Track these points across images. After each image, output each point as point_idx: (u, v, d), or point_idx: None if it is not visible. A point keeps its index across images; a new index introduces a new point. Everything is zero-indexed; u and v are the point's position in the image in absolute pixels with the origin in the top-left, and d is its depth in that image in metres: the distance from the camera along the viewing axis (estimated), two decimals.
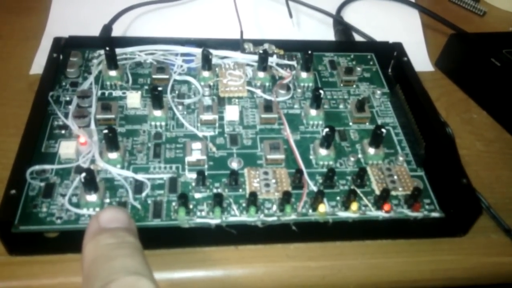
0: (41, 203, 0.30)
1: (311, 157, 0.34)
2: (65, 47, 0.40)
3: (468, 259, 0.31)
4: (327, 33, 0.49)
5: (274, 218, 0.30)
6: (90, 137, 0.33)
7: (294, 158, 0.34)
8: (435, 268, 0.31)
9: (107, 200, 0.30)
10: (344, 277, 0.30)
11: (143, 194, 0.31)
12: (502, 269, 0.32)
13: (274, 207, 0.31)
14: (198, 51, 0.39)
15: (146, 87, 0.38)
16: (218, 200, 0.30)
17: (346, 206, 0.31)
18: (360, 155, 0.35)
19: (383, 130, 0.33)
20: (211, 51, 0.38)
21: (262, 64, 0.38)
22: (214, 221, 0.30)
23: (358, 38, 0.48)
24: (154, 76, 0.38)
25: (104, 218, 0.23)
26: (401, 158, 0.34)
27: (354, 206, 0.31)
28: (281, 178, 0.32)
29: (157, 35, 0.42)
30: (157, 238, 0.29)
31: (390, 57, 0.42)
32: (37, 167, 0.31)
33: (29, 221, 0.29)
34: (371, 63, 0.43)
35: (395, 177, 0.33)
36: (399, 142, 0.36)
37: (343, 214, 0.31)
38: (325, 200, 0.31)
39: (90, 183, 0.29)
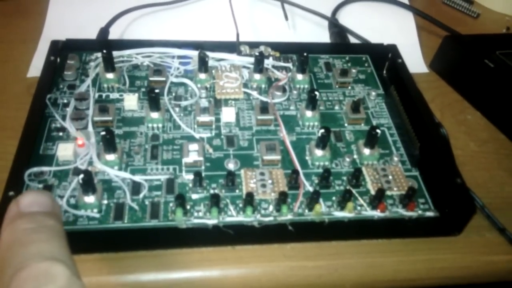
0: None
1: (307, 157, 0.34)
2: (63, 50, 0.40)
3: (463, 258, 0.32)
4: (322, 36, 0.49)
5: (271, 218, 0.31)
6: (88, 139, 0.33)
7: (290, 159, 0.34)
8: (430, 267, 0.31)
9: (105, 201, 0.30)
10: (340, 276, 0.30)
11: (141, 195, 0.31)
12: (496, 268, 0.32)
13: (271, 208, 0.31)
14: (194, 53, 0.39)
15: (143, 89, 0.38)
16: (215, 201, 0.30)
17: (341, 206, 0.31)
18: (355, 156, 0.35)
19: (378, 130, 0.33)
20: (208, 53, 0.38)
21: (258, 66, 0.39)
22: (211, 221, 0.30)
23: (353, 40, 0.48)
24: (151, 79, 0.38)
25: (24, 202, 0.22)
26: (396, 159, 0.35)
27: (349, 206, 0.31)
28: (277, 178, 0.32)
29: (154, 37, 0.42)
30: (155, 239, 0.30)
31: (385, 59, 0.43)
32: (35, 169, 0.31)
33: None
34: (366, 65, 0.43)
35: (390, 177, 0.33)
36: (394, 143, 0.37)
37: (338, 214, 0.31)
38: (321, 200, 0.32)
39: (88, 185, 0.29)
